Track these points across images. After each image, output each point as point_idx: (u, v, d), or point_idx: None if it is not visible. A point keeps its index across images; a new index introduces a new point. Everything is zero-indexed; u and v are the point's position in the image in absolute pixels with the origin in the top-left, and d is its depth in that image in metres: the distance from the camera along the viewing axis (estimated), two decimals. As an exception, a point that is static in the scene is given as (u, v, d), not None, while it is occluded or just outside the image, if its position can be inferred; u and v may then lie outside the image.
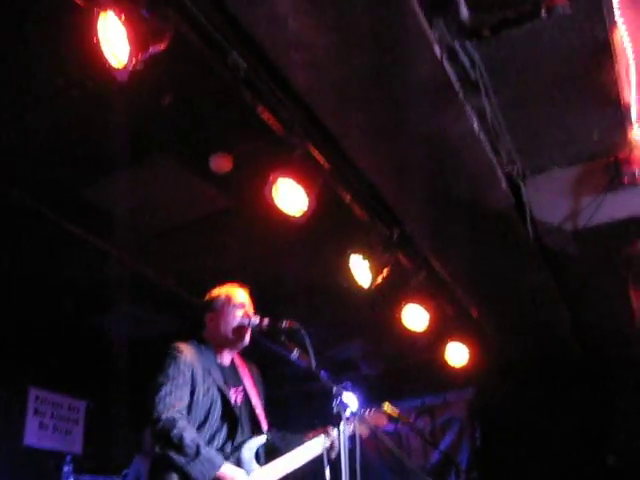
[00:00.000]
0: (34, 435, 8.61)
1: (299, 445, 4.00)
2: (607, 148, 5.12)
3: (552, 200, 5.41)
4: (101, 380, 8.69)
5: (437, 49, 3.78)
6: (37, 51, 4.33)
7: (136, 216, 6.11)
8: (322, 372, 3.74)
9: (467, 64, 4.08)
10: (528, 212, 5.35)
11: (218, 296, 4.14)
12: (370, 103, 4.17)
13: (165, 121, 5.01)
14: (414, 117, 4.24)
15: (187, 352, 3.81)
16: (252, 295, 4.25)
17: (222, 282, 4.31)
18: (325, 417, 3.93)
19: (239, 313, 4.02)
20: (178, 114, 4.90)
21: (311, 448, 3.99)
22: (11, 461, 7.97)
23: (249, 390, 4.04)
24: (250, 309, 4.08)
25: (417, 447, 8.80)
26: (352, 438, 3.75)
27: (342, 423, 3.54)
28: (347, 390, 3.70)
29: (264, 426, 3.99)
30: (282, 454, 3.92)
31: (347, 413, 3.70)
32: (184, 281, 6.99)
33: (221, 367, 3.99)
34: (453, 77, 3.99)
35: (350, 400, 3.70)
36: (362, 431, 4.29)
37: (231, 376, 4.02)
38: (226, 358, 4.06)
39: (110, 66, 3.71)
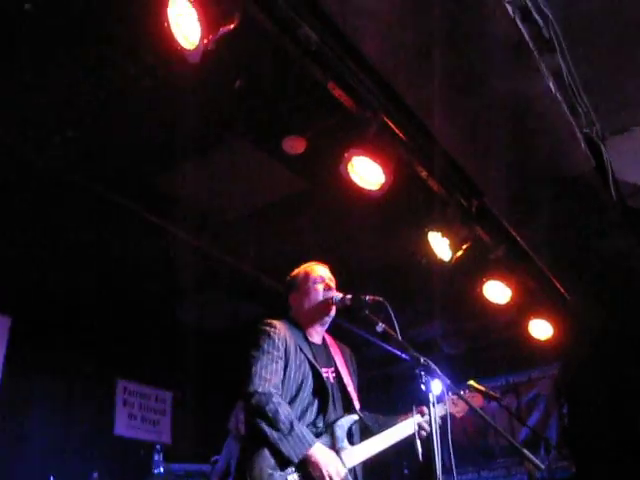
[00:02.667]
0: (124, 426, 8.82)
1: (393, 426, 3.94)
2: (690, 103, 4.93)
3: (634, 160, 5.24)
4: (186, 370, 8.82)
5: (509, 8, 3.70)
6: (109, 41, 4.40)
7: (212, 202, 6.18)
8: (405, 354, 3.66)
9: (540, 22, 3.97)
10: (610, 174, 5.20)
11: (297, 274, 4.13)
12: (445, 69, 4.12)
13: (237, 105, 5.03)
14: (490, 80, 4.18)
15: (280, 327, 3.81)
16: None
17: (301, 264, 4.30)
18: (406, 399, 3.87)
19: (320, 287, 3.99)
20: (249, 97, 4.92)
21: (403, 428, 3.92)
22: (103, 451, 8.18)
23: (341, 369, 3.97)
24: (331, 282, 4.05)
25: (504, 425, 8.63)
26: (443, 418, 3.69)
27: (431, 401, 3.43)
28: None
29: (357, 405, 3.93)
30: (374, 434, 3.87)
31: (433, 392, 3.61)
32: (263, 266, 7.02)
33: (312, 345, 3.94)
34: (527, 36, 3.90)
35: (435, 381, 3.61)
36: (458, 412, 4.24)
37: (322, 355, 3.97)
38: (316, 337, 4.03)
39: (182, 48, 3.75)
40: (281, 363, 3.68)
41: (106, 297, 7.60)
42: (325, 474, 3.44)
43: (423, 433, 3.82)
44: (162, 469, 7.49)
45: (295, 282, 4.11)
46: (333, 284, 4.05)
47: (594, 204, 5.51)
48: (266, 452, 3.47)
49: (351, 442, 3.75)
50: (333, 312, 3.99)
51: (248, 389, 3.55)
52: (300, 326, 3.99)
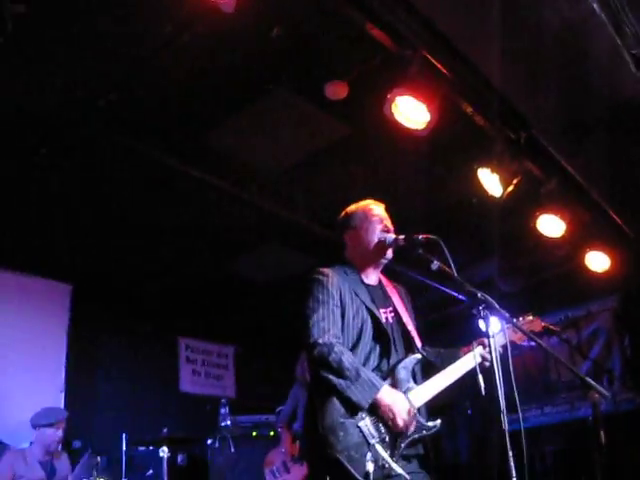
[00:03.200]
0: (188, 382, 9.03)
1: (455, 360, 3.89)
2: None
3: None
4: (245, 324, 8.97)
5: None
6: (142, 2, 4.39)
7: (260, 154, 6.17)
8: (461, 292, 3.63)
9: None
10: (663, 94, 5.04)
11: (355, 212, 4.02)
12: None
13: (276, 54, 4.99)
14: (533, 6, 4.06)
15: (332, 275, 3.76)
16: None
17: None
18: (466, 339, 3.85)
19: (378, 227, 3.90)
20: (287, 44, 4.88)
21: (467, 362, 3.86)
22: (170, 408, 8.40)
23: (399, 308, 3.91)
24: (388, 223, 3.95)
25: (564, 359, 8.62)
26: (504, 347, 3.64)
27: (490, 335, 3.40)
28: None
29: (418, 343, 3.86)
30: (439, 370, 3.83)
31: (492, 327, 3.58)
32: (315, 214, 7.00)
33: (368, 287, 3.88)
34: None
35: (493, 316, 3.57)
36: (519, 339, 4.18)
37: (379, 296, 3.91)
38: (372, 277, 3.96)
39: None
40: (338, 311, 3.64)
41: (162, 256, 7.71)
42: (396, 415, 3.44)
43: (486, 364, 3.75)
44: (229, 422, 7.68)
45: (352, 220, 3.99)
46: (390, 225, 3.96)
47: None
48: (335, 401, 3.46)
49: (416, 381, 3.71)
50: (389, 254, 3.93)
51: (309, 341, 3.53)
52: (355, 267, 3.92)
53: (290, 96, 5.48)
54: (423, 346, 3.93)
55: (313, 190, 6.74)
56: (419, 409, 3.62)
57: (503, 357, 3.44)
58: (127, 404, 8.04)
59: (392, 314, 3.88)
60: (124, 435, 6.76)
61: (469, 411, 8.95)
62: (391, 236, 3.88)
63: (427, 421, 3.63)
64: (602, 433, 5.14)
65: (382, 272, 4.08)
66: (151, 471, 6.57)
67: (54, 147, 5.68)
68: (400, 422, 3.45)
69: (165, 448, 6.14)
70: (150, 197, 6.55)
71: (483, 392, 3.51)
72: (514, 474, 3.09)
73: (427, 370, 3.85)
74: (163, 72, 5.08)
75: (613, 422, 7.32)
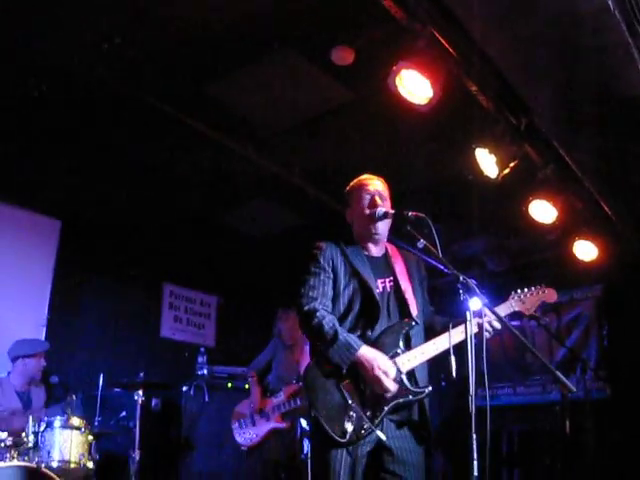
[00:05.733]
0: (169, 328, 9.08)
1: (450, 328, 3.77)
2: None
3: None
4: (231, 276, 9.00)
5: None
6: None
7: (261, 112, 6.16)
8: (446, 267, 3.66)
9: None
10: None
11: (349, 190, 4.14)
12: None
13: (285, 14, 4.96)
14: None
15: (328, 249, 3.94)
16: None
17: (347, 175, 4.25)
18: (451, 312, 3.89)
19: (367, 203, 3.99)
20: (298, 6, 4.84)
21: (460, 332, 3.74)
22: (149, 352, 8.46)
23: (400, 277, 3.97)
24: (379, 198, 4.00)
25: (542, 343, 8.71)
26: (480, 328, 3.68)
27: (468, 319, 3.46)
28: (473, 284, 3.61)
29: (413, 310, 3.89)
30: (435, 336, 3.81)
31: (473, 304, 3.62)
32: (309, 176, 7.04)
33: (369, 259, 3.99)
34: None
35: (476, 295, 3.61)
36: (527, 309, 4.16)
37: (380, 266, 4.00)
38: (375, 250, 4.05)
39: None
40: (329, 282, 3.84)
41: (154, 203, 7.71)
42: (375, 372, 3.55)
43: (487, 334, 3.76)
44: (205, 371, 7.75)
45: (348, 198, 4.14)
46: (381, 200, 4.00)
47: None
48: (321, 362, 3.68)
49: (409, 347, 3.77)
50: (380, 228, 4.00)
51: (298, 309, 3.78)
52: (357, 241, 4.05)
53: (295, 56, 5.44)
54: (419, 313, 3.96)
55: (310, 152, 6.75)
56: (409, 374, 3.69)
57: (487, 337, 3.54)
58: (107, 345, 8.08)
59: (391, 283, 3.96)
60: (101, 375, 6.83)
61: (443, 383, 9.02)
62: (381, 210, 3.93)
63: (417, 387, 3.70)
64: (567, 423, 5.23)
65: (391, 242, 4.17)
66: (124, 413, 6.63)
67: (55, 84, 5.65)
68: (382, 379, 3.55)
69: (140, 392, 6.20)
70: (145, 142, 6.53)
71: (454, 374, 3.57)
72: (475, 456, 3.17)
73: (429, 337, 3.87)
74: (167, 21, 5.02)
75: (582, 408, 7.42)
